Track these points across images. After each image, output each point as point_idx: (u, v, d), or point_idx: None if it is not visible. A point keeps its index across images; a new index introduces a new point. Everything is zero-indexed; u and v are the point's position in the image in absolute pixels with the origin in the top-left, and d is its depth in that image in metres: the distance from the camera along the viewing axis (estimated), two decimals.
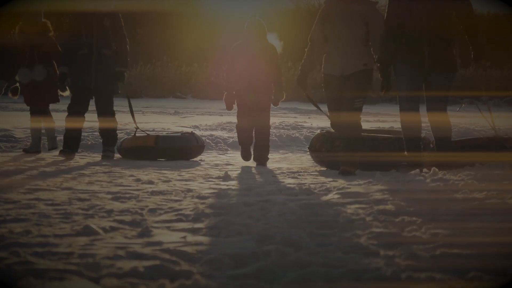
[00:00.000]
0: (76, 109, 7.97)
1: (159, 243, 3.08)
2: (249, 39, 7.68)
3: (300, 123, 13.69)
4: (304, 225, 3.53)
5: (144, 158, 7.91)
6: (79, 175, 6.05)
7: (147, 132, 8.56)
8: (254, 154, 7.74)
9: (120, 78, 8.04)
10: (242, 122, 7.73)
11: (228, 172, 6.49)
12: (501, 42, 30.05)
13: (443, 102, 6.30)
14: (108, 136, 8.10)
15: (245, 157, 7.81)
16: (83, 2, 7.97)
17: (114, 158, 7.96)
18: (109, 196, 4.67)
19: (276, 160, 8.24)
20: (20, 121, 11.28)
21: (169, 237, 3.23)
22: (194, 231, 3.43)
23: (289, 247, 2.93)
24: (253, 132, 7.77)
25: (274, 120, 14.26)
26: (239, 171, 6.85)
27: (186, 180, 5.86)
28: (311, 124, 13.35)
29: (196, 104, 22.41)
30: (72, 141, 8.00)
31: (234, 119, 15.24)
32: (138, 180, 5.71)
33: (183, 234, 3.35)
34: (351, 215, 3.72)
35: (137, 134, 8.28)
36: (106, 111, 8.05)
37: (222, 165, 7.48)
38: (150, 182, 5.57)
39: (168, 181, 5.73)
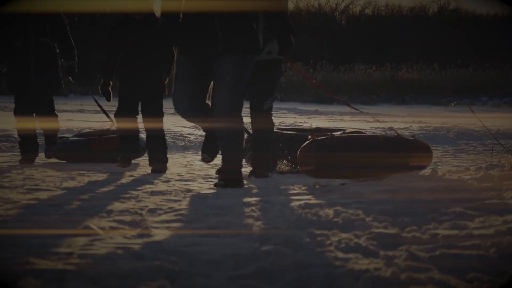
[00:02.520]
0: (23, 109, 7.19)
1: (159, 243, 3.08)
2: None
3: (299, 123, 13.68)
4: (304, 225, 3.53)
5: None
6: (78, 175, 6.05)
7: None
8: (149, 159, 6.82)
9: (71, 73, 7.23)
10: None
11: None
12: (501, 42, 30.06)
13: None
14: (50, 139, 7.43)
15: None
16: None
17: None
18: (109, 196, 4.67)
19: None
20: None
21: (169, 237, 3.22)
22: (194, 231, 3.43)
23: (288, 247, 2.93)
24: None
25: (273, 120, 14.26)
26: None
27: (186, 180, 5.86)
28: (311, 124, 13.34)
29: None
30: (29, 144, 7.29)
31: None
32: (138, 180, 5.71)
33: (183, 234, 3.35)
34: (351, 215, 3.72)
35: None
36: (46, 109, 7.25)
37: None
38: (150, 182, 5.57)
39: (168, 181, 5.73)
